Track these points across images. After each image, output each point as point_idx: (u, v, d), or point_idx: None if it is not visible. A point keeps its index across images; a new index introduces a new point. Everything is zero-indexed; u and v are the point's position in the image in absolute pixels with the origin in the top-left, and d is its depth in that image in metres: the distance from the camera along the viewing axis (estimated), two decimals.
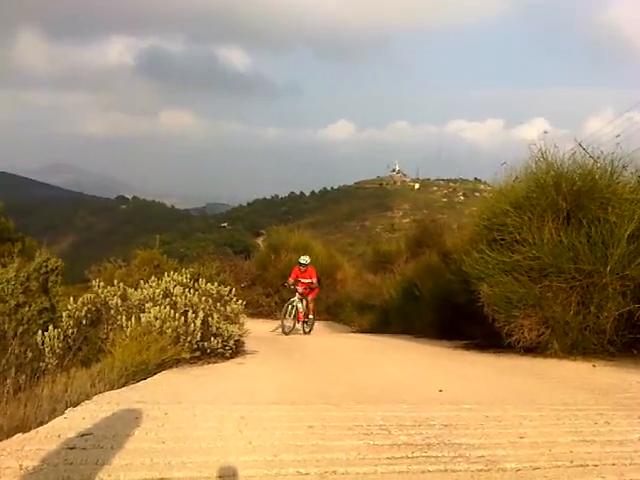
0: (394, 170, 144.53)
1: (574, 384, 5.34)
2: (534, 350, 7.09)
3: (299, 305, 13.80)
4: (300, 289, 14.00)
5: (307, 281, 14.28)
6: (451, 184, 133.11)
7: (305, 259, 14.55)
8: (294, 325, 13.65)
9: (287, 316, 13.55)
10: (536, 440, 3.26)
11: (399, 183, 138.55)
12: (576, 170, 7.78)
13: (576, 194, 7.48)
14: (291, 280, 14.36)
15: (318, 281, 14.83)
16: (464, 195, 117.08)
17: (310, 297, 14.21)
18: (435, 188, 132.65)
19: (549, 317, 7.01)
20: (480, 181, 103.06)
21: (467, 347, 8.72)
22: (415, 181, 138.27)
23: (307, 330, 14.02)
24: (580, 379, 5.65)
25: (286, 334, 13.13)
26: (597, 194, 7.42)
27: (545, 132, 8.07)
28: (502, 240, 7.64)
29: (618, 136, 8.47)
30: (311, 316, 14.22)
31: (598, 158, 7.84)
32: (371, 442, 3.22)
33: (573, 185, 7.53)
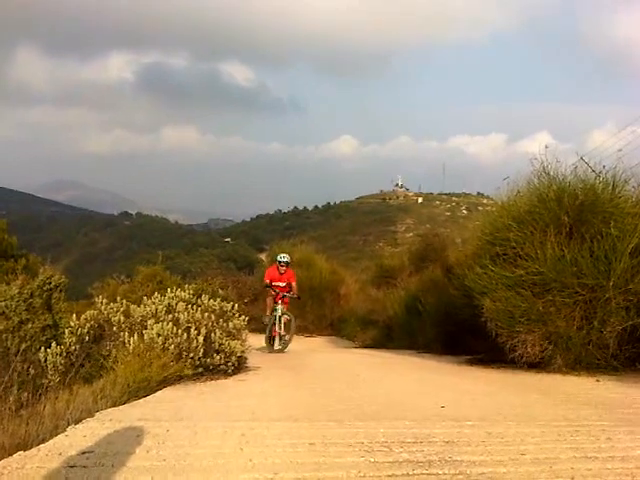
0: (397, 185, 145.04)
1: (577, 399, 5.32)
2: (538, 365, 7.07)
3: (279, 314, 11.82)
4: (275, 293, 12.04)
5: (283, 285, 12.21)
6: (454, 198, 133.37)
7: (285, 257, 12.36)
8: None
9: (273, 330, 11.80)
10: (537, 457, 3.24)
11: (402, 198, 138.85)
12: (578, 184, 7.79)
13: (578, 208, 7.48)
14: (267, 280, 12.24)
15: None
16: (467, 209, 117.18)
17: (284, 306, 12.04)
18: (438, 202, 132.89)
19: (552, 332, 6.99)
20: (483, 195, 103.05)
21: (471, 362, 8.69)
22: (418, 195, 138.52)
23: (279, 347, 11.73)
24: (583, 394, 5.63)
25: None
26: (599, 208, 7.42)
27: (546, 146, 8.08)
28: (505, 255, 7.64)
29: (620, 150, 8.50)
30: (286, 335, 11.85)
31: (600, 172, 7.85)
32: (372, 459, 3.21)
33: (575, 199, 7.54)
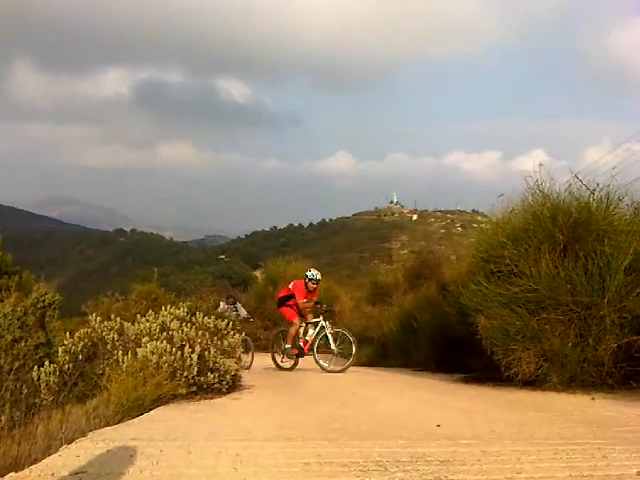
0: (392, 202, 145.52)
1: (572, 417, 5.31)
2: (533, 383, 7.06)
3: (312, 331, 11.29)
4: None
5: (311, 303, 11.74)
6: (449, 215, 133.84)
7: (318, 274, 11.65)
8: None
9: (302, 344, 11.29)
10: (533, 475, 3.23)
11: (397, 214, 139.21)
12: (572, 202, 7.83)
13: (573, 226, 7.51)
14: (306, 303, 11.40)
15: None
16: (462, 226, 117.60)
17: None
18: (433, 219, 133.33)
19: (547, 350, 6.99)
20: (478, 212, 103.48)
21: (466, 380, 8.66)
22: (413, 212, 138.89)
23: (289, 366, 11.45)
24: (579, 412, 5.62)
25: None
26: (593, 226, 7.45)
27: (540, 164, 8.13)
28: (499, 272, 7.65)
29: (614, 168, 8.55)
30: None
31: (594, 190, 7.89)
32: (367, 479, 3.19)
33: (569, 217, 7.57)
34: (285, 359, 11.69)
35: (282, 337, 11.89)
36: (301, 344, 11.32)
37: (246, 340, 12.71)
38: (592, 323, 6.94)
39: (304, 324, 11.41)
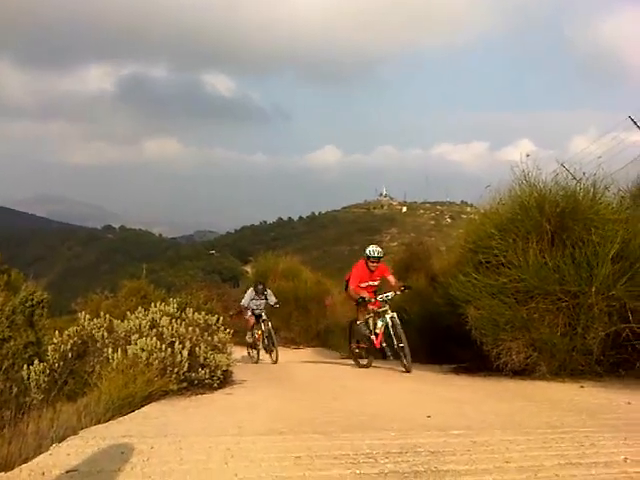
0: (381, 194, 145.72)
1: (561, 406, 5.35)
2: (522, 372, 7.10)
3: (380, 322, 9.55)
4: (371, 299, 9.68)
5: (376, 284, 10.10)
6: (438, 207, 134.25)
7: (376, 250, 9.89)
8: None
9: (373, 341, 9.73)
10: (522, 464, 3.26)
11: (386, 207, 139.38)
12: (559, 192, 7.87)
13: (560, 216, 7.55)
14: (364, 293, 9.72)
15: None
16: (451, 218, 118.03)
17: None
18: (422, 211, 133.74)
19: (536, 339, 7.02)
20: (467, 204, 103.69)
21: (456, 371, 8.71)
22: (402, 205, 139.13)
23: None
24: (568, 401, 5.65)
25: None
26: (580, 215, 7.49)
27: (527, 155, 8.16)
28: (488, 263, 7.68)
29: (600, 157, 8.59)
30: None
31: (580, 179, 7.94)
32: (358, 471, 3.21)
33: (556, 207, 7.61)
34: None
35: (351, 330, 10.64)
36: (373, 338, 9.75)
37: (269, 334, 13.20)
38: (580, 312, 6.98)
39: (372, 314, 9.80)
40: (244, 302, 13.73)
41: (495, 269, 7.53)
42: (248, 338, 13.76)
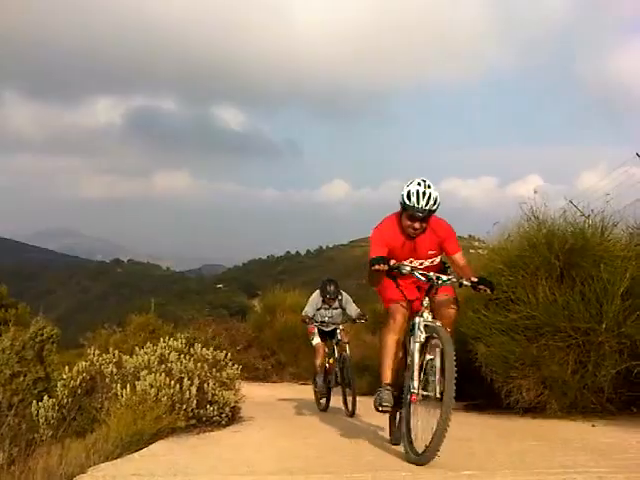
0: None
1: (573, 445, 5.29)
2: (533, 410, 7.04)
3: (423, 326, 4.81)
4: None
5: (428, 263, 5.22)
6: None
7: (427, 192, 4.91)
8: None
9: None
10: None
11: None
12: (568, 228, 7.87)
13: (568, 252, 7.54)
14: (393, 261, 4.94)
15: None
16: None
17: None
18: None
19: (547, 377, 6.97)
20: (474, 238, 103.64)
21: (467, 408, 8.62)
22: None
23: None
24: (579, 440, 5.59)
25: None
26: (589, 252, 7.47)
27: (535, 191, 8.19)
28: (497, 299, 7.65)
29: (608, 194, 8.61)
30: None
31: (589, 215, 7.95)
32: None
33: (565, 243, 7.60)
34: None
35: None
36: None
37: (344, 366, 8.82)
38: (591, 349, 6.93)
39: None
40: (307, 310, 9.13)
41: (504, 306, 7.50)
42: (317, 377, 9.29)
